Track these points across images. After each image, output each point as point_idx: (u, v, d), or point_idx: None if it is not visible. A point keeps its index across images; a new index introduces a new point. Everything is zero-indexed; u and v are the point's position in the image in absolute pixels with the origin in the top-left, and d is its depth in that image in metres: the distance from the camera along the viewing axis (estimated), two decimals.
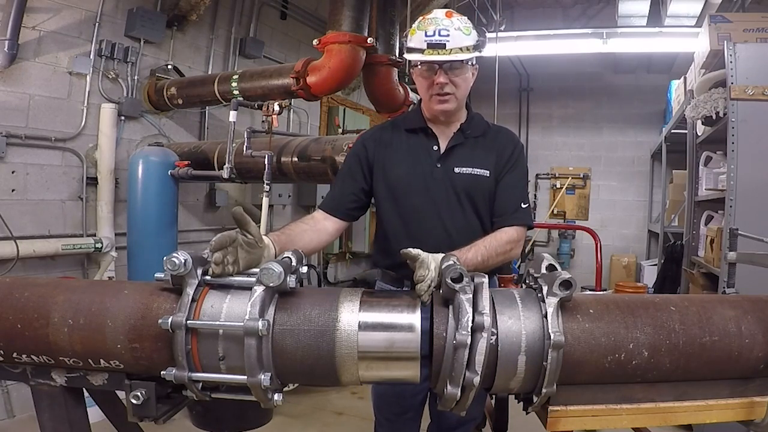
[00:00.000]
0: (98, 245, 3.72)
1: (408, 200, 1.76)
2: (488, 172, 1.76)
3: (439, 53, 1.63)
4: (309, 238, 1.65)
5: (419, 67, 1.69)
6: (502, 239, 1.65)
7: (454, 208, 1.74)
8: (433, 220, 1.74)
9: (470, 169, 1.75)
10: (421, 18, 1.70)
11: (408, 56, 1.69)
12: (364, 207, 1.86)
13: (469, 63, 1.70)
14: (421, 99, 1.82)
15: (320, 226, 1.74)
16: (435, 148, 1.79)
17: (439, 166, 1.77)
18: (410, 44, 1.68)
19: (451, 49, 1.63)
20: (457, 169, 1.75)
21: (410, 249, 1.31)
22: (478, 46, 1.67)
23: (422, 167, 1.77)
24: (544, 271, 1.25)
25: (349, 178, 1.84)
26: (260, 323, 1.08)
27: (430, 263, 1.26)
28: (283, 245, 1.45)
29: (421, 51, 1.64)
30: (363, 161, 1.83)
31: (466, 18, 1.71)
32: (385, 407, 1.98)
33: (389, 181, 1.79)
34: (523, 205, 1.75)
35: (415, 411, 1.97)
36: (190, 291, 1.15)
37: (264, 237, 1.36)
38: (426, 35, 1.63)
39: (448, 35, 1.62)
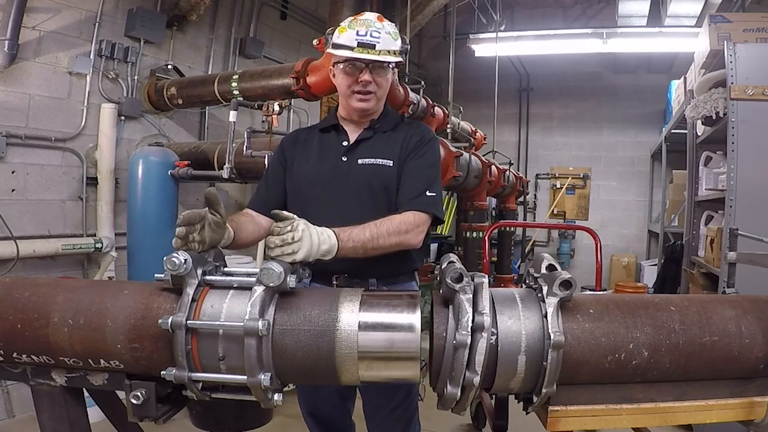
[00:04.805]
0: (98, 245, 3.73)
1: (312, 192, 1.80)
2: (392, 162, 1.78)
3: (369, 53, 1.69)
4: (252, 229, 1.71)
5: (343, 65, 1.74)
6: (396, 220, 1.62)
7: (354, 198, 1.76)
8: (334, 210, 1.75)
9: (373, 160, 1.78)
10: (352, 18, 1.75)
11: (336, 52, 1.73)
12: None
13: (391, 66, 1.77)
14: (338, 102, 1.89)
15: (257, 221, 1.78)
16: (344, 143, 1.84)
17: (344, 159, 1.81)
18: (338, 41, 1.71)
19: (380, 51, 1.69)
20: (360, 161, 1.79)
21: (284, 212, 1.37)
22: (402, 52, 1.75)
23: (328, 161, 1.82)
24: (544, 271, 1.25)
25: (273, 178, 1.90)
26: (260, 323, 1.08)
27: (299, 226, 1.32)
28: (235, 230, 1.51)
29: (350, 49, 1.69)
30: (281, 161, 1.90)
31: (394, 24, 1.79)
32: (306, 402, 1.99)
33: (296, 175, 1.85)
34: (429, 193, 1.72)
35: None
36: (190, 291, 1.15)
37: None
38: (358, 34, 1.69)
39: (378, 37, 1.69)
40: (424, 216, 1.69)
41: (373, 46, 1.68)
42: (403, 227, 1.61)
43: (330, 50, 1.75)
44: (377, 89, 1.76)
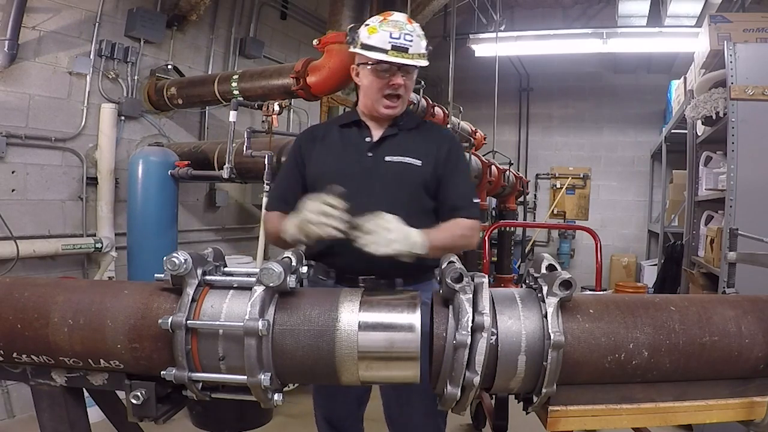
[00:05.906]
0: (98, 245, 3.72)
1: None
2: (420, 162, 1.78)
3: (403, 56, 1.67)
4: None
5: (372, 66, 1.71)
6: (464, 225, 1.72)
7: (381, 196, 1.74)
8: (362, 206, 1.68)
9: (401, 158, 1.77)
10: (382, 18, 1.72)
11: (367, 54, 1.70)
12: None
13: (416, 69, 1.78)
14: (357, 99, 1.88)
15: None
16: (367, 139, 1.82)
17: (370, 155, 1.79)
18: (370, 42, 1.69)
19: (413, 54, 1.68)
20: (388, 158, 1.77)
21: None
22: (428, 55, 1.76)
23: (352, 156, 1.80)
24: (544, 271, 1.25)
25: (292, 178, 1.87)
26: (260, 323, 1.08)
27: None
28: None
29: (384, 51, 1.67)
30: (298, 159, 1.87)
31: (420, 26, 1.79)
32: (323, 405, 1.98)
33: (317, 171, 1.81)
34: (475, 200, 1.81)
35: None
36: (190, 291, 1.16)
37: None
38: (391, 36, 1.66)
39: (411, 40, 1.68)
40: (477, 222, 1.80)
41: (406, 50, 1.67)
42: (469, 232, 1.74)
43: (359, 50, 1.73)
44: (405, 92, 1.77)
